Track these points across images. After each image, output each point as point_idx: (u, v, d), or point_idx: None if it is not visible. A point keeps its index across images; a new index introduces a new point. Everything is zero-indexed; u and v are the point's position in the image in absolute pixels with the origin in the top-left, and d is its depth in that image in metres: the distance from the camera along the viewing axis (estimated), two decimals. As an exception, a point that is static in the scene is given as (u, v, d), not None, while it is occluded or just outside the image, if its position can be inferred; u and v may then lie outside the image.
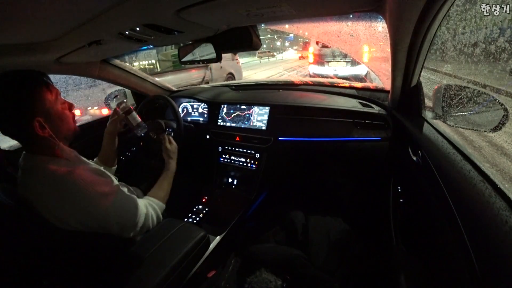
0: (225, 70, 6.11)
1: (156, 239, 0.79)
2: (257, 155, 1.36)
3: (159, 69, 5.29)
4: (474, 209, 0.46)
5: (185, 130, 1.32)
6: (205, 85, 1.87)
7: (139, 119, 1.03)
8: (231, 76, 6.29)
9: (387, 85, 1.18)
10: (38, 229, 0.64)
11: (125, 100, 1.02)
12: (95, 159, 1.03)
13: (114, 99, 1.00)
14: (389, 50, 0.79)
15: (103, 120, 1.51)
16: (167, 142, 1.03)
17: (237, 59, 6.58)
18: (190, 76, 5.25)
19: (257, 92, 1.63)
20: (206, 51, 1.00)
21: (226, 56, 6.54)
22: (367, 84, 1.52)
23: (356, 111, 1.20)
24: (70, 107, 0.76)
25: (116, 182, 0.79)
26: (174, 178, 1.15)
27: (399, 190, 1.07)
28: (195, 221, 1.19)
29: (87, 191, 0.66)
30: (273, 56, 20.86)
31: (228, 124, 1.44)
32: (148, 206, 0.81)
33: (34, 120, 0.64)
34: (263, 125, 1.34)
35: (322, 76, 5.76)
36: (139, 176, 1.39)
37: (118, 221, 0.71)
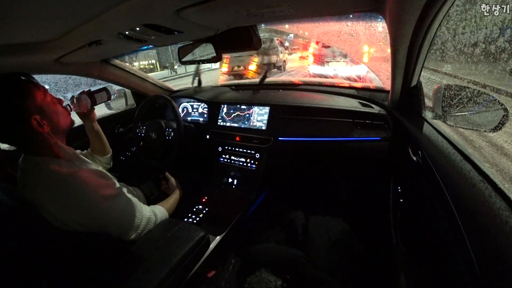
0: (283, 58, 8.57)
1: (156, 239, 0.79)
2: (257, 155, 1.36)
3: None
4: (474, 209, 0.46)
5: (185, 130, 1.32)
6: (205, 85, 1.87)
7: (104, 94, 1.01)
8: (284, 62, 8.76)
9: (387, 85, 1.18)
10: (38, 229, 0.64)
11: (78, 96, 0.92)
12: (88, 149, 1.04)
13: (68, 104, 0.90)
14: (389, 50, 0.79)
15: (102, 121, 1.51)
16: (169, 181, 1.19)
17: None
18: (265, 59, 7.41)
19: (257, 92, 1.63)
20: (206, 51, 1.00)
21: (283, 49, 8.48)
22: (367, 84, 1.52)
23: (356, 111, 1.20)
24: (60, 102, 0.77)
25: (117, 184, 0.80)
26: (174, 177, 1.15)
27: (399, 190, 1.07)
28: (195, 221, 1.18)
29: (90, 194, 0.66)
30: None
31: (228, 124, 1.44)
32: (152, 215, 0.85)
33: (31, 119, 0.64)
34: (263, 125, 1.34)
35: (322, 76, 5.77)
36: (139, 176, 1.39)
37: (118, 224, 0.72)
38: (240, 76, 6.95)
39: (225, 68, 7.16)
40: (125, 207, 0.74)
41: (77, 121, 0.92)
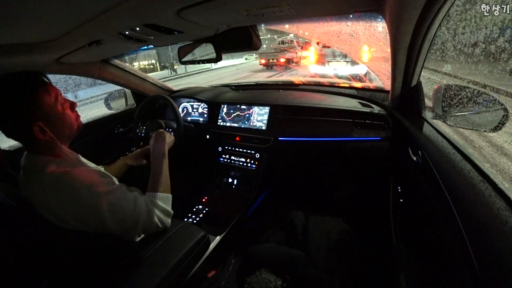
0: (299, 55, 10.84)
1: (156, 239, 0.79)
2: (257, 155, 1.36)
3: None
4: (474, 209, 0.46)
5: (185, 130, 1.32)
6: (205, 85, 1.87)
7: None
8: (300, 59, 11.02)
9: (387, 85, 1.18)
10: (39, 229, 0.64)
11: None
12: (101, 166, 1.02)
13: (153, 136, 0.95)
14: (389, 50, 0.79)
15: (102, 121, 1.51)
16: (162, 137, 0.98)
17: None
18: (288, 55, 10.63)
19: (257, 92, 1.63)
20: (206, 51, 1.00)
21: (299, 48, 10.88)
22: (367, 84, 1.52)
23: (356, 111, 1.20)
24: (72, 106, 0.75)
25: (116, 181, 0.79)
26: (174, 178, 1.14)
27: (399, 190, 1.07)
28: (195, 221, 1.18)
29: (83, 191, 0.65)
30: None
31: (228, 124, 1.44)
32: (149, 204, 0.76)
33: (34, 125, 0.64)
34: (263, 125, 1.34)
35: (322, 76, 5.79)
36: (139, 176, 1.40)
37: (116, 220, 0.70)
38: (271, 66, 11.06)
39: (263, 60, 11.06)
40: (121, 203, 0.70)
41: (83, 119, 0.87)
